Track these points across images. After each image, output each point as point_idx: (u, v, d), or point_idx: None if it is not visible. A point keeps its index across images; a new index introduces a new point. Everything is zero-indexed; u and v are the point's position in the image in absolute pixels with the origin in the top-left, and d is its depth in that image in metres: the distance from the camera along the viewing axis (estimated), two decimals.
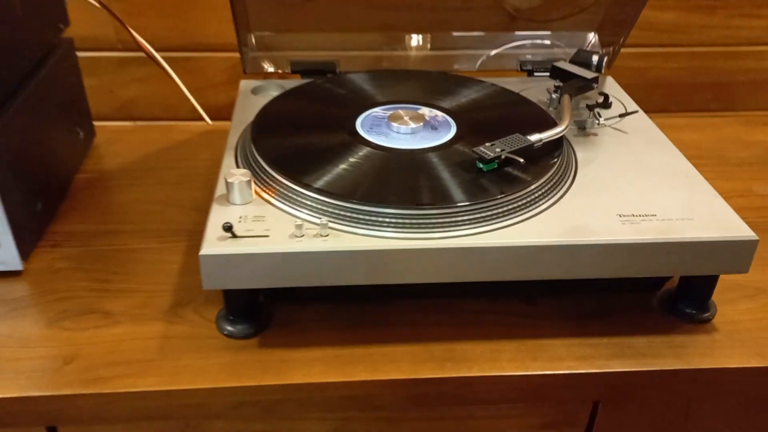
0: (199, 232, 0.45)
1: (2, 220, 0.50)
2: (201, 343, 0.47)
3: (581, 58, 0.63)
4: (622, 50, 0.70)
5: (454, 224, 0.45)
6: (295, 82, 0.66)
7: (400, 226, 0.44)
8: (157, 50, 0.72)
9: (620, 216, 0.47)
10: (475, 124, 0.55)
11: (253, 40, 0.66)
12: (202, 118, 0.80)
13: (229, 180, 0.46)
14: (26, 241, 0.53)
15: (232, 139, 0.56)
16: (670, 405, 0.50)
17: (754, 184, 0.68)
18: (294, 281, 0.44)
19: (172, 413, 0.45)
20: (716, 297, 0.51)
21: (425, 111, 0.57)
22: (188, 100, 0.77)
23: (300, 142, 0.53)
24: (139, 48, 0.71)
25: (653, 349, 0.47)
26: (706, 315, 0.50)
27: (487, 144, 0.49)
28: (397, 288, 0.46)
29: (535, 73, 0.69)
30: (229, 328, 0.48)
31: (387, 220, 0.44)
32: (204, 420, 0.47)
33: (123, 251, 0.56)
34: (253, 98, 0.64)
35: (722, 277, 0.49)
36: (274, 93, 0.64)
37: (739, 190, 0.67)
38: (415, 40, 0.70)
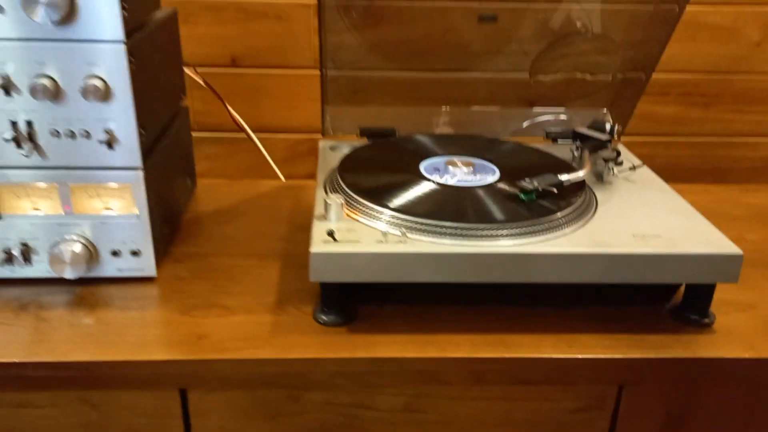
0: (288, 256, 0.59)
1: (147, 235, 0.64)
2: (302, 328, 0.59)
3: (597, 125, 0.78)
4: (630, 139, 0.85)
5: (500, 236, 0.58)
6: (362, 142, 0.82)
7: (460, 236, 0.58)
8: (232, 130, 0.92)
9: (633, 235, 0.60)
10: (514, 170, 0.70)
11: (331, 111, 0.82)
12: (277, 177, 0.97)
13: (328, 202, 0.60)
14: (158, 254, 0.67)
15: (321, 177, 0.70)
16: (680, 387, 0.60)
17: (746, 234, 0.81)
18: (379, 276, 0.57)
19: (280, 380, 0.57)
20: (714, 310, 0.63)
21: (474, 160, 0.71)
22: (266, 164, 0.95)
23: (378, 178, 0.68)
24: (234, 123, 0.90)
25: (665, 344, 0.59)
26: (707, 320, 0.62)
27: (526, 179, 0.63)
28: (456, 291, 0.59)
29: (559, 140, 0.84)
30: (324, 317, 0.60)
31: (449, 231, 0.58)
32: (304, 391, 0.59)
33: (230, 267, 0.69)
34: (331, 153, 0.79)
35: (718, 297, 0.62)
36: (347, 150, 0.79)
37: (733, 237, 0.80)
38: (459, 111, 0.86)
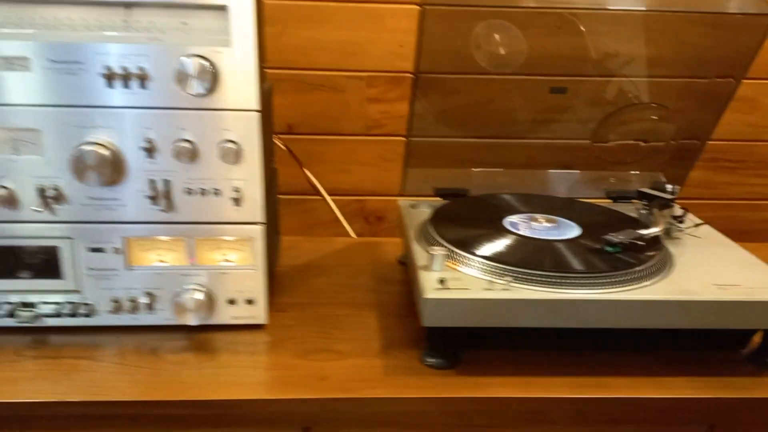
0: (380, 305, 0.65)
1: (262, 285, 0.69)
2: (412, 371, 0.64)
3: (658, 186, 0.85)
4: None
5: (596, 284, 0.63)
6: (438, 201, 0.88)
7: (560, 284, 0.63)
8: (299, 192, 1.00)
9: (714, 285, 0.65)
10: (591, 226, 0.76)
11: (411, 173, 0.89)
12: (348, 235, 1.03)
13: (433, 253, 0.66)
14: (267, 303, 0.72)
15: (411, 232, 0.76)
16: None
17: None
18: (486, 321, 0.62)
19: (397, 418, 0.61)
20: None
21: (555, 217, 0.77)
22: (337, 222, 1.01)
23: (472, 231, 0.73)
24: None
25: (751, 385, 0.63)
26: None
27: (611, 233, 0.69)
28: (552, 335, 0.64)
29: (618, 200, 0.91)
30: (431, 360, 0.65)
31: (551, 280, 0.63)
32: (417, 429, 0.62)
33: (331, 315, 0.74)
34: (413, 211, 0.85)
35: None
36: (425, 208, 0.86)
37: None
38: (526, 173, 0.93)
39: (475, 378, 0.63)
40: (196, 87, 0.61)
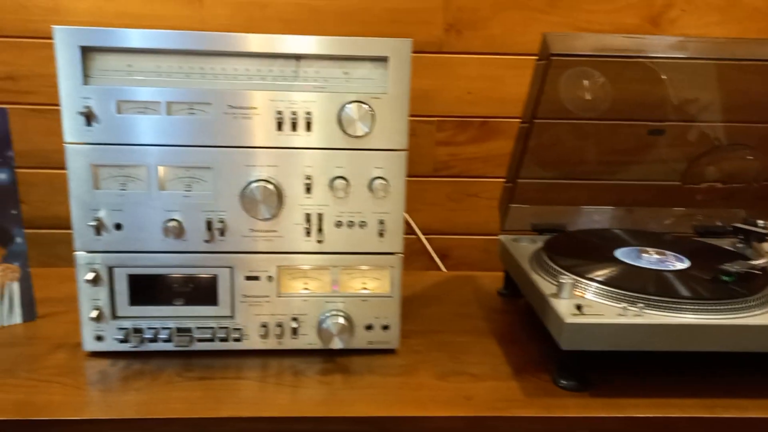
0: (496, 333, 0.71)
1: (397, 312, 0.74)
2: (548, 392, 0.68)
3: (749, 223, 0.90)
4: None
5: (722, 310, 0.68)
6: (535, 236, 0.94)
7: (690, 310, 0.68)
8: None
9: None
10: (698, 259, 0.81)
11: (512, 211, 0.95)
12: (438, 269, 1.08)
13: (563, 282, 0.71)
14: None
15: (526, 265, 0.82)
16: None
17: None
18: (620, 345, 0.67)
19: None
20: None
21: (662, 250, 0.83)
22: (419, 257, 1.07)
23: (589, 263, 0.79)
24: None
25: None
26: None
27: (727, 263, 0.74)
28: (677, 358, 0.68)
29: (706, 236, 0.96)
30: (565, 382, 0.69)
31: (683, 306, 0.68)
32: None
33: (455, 342, 0.79)
34: (515, 244, 0.91)
35: None
36: (525, 242, 0.91)
37: None
38: (619, 210, 0.98)
39: (610, 399, 0.67)
40: (359, 129, 0.68)
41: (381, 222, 0.72)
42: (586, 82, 0.89)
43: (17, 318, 0.80)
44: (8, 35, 1.04)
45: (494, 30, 1.08)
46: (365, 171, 0.70)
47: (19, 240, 0.79)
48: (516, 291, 0.95)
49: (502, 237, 0.95)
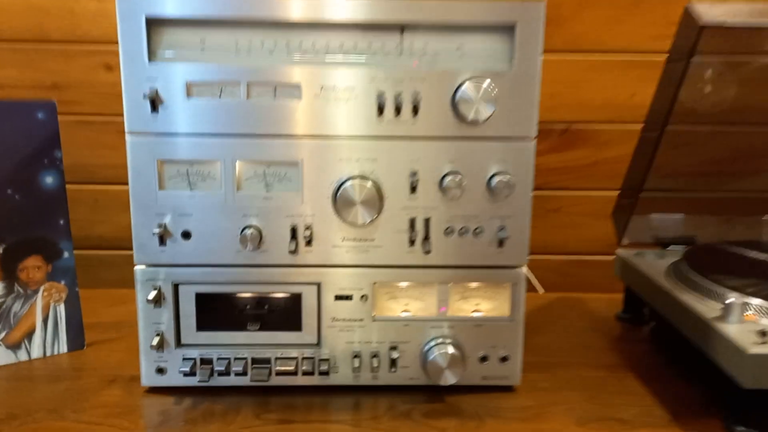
0: (628, 365, 0.57)
1: (519, 339, 0.61)
2: None
3: None
4: None
5: None
6: (658, 250, 0.79)
7: None
8: None
9: None
10: None
11: (633, 224, 0.81)
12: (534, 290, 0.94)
13: (731, 303, 0.57)
14: None
15: (663, 282, 0.67)
16: None
17: None
18: None
19: None
20: None
21: None
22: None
23: (755, 279, 0.64)
24: None
25: None
26: None
27: None
28: None
29: None
30: (743, 428, 0.54)
31: None
32: None
33: (585, 377, 0.65)
34: (640, 259, 0.77)
35: None
36: (651, 257, 0.77)
37: None
38: (750, 220, 0.84)
39: None
40: (479, 113, 0.55)
41: (501, 228, 0.59)
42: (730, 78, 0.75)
43: (63, 346, 0.68)
44: (55, 40, 0.96)
45: (577, 28, 0.96)
46: (484, 165, 0.58)
47: (66, 254, 0.68)
48: (639, 315, 0.81)
49: (621, 252, 0.81)
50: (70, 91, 0.98)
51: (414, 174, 0.57)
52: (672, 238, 0.81)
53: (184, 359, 0.60)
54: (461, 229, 0.58)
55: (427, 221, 0.58)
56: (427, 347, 0.60)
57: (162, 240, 0.58)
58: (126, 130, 0.56)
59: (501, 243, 0.59)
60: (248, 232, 0.57)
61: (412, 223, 0.58)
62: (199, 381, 0.59)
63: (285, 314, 0.60)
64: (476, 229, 0.59)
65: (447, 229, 0.58)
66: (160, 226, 0.57)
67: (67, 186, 1.09)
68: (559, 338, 0.75)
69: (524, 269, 0.60)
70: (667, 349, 0.72)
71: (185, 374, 0.59)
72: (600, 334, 0.77)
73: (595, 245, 1.03)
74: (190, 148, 0.56)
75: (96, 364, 0.66)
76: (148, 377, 0.60)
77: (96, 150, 1.01)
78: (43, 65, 0.97)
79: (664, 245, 0.81)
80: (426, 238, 0.59)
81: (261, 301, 0.60)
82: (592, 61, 0.99)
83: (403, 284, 0.60)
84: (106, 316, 0.78)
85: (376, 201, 0.56)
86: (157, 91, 0.55)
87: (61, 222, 0.67)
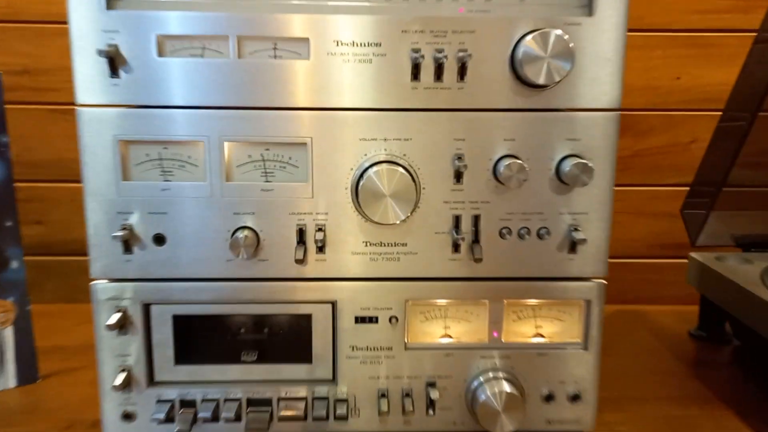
0: (721, 398, 0.41)
1: (594, 372, 0.47)
2: None
3: None
4: None
5: None
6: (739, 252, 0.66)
7: None
8: None
9: None
10: None
11: (710, 224, 0.67)
12: None
13: None
14: None
15: (756, 290, 0.54)
16: None
17: None
18: None
19: None
20: None
21: None
22: None
23: None
24: None
25: None
26: None
27: None
28: None
29: None
30: None
31: None
32: None
33: (673, 416, 0.51)
34: (722, 264, 0.63)
35: None
36: (734, 261, 0.64)
37: None
38: None
39: None
40: (544, 76, 0.41)
41: (574, 228, 0.45)
42: None
43: (10, 380, 0.54)
44: (27, 20, 0.82)
45: None
46: (552, 145, 0.44)
47: (15, 264, 0.54)
48: (718, 333, 0.67)
49: (697, 255, 0.67)
50: (45, 77, 0.84)
51: (459, 158, 0.43)
52: (758, 239, 0.67)
53: (158, 402, 0.46)
54: (521, 229, 0.45)
55: (476, 219, 0.44)
56: (475, 383, 0.46)
57: (127, 246, 0.44)
58: (76, 100, 0.43)
59: (573, 247, 0.45)
60: (241, 235, 0.43)
61: (457, 221, 0.44)
62: (178, 431, 0.45)
63: (290, 342, 0.46)
64: (541, 229, 0.45)
65: (503, 229, 0.45)
66: (124, 228, 0.43)
67: (42, 184, 0.96)
68: (626, 362, 0.61)
69: (602, 282, 0.46)
70: (764, 375, 0.58)
71: (159, 421, 0.45)
72: (673, 355, 0.63)
73: (636, 246, 0.89)
74: (163, 125, 0.43)
75: (51, 404, 0.52)
76: (111, 425, 0.46)
77: (74, 143, 0.87)
78: (13, 47, 0.83)
79: (744, 247, 0.68)
80: (475, 241, 0.45)
81: (259, 324, 0.47)
82: (631, 39, 0.85)
83: (444, 302, 0.46)
84: (75, 337, 0.65)
85: (411, 193, 0.43)
86: (117, 48, 0.41)
87: (8, 224, 0.53)
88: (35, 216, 0.87)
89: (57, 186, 0.88)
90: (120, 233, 0.43)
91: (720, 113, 0.69)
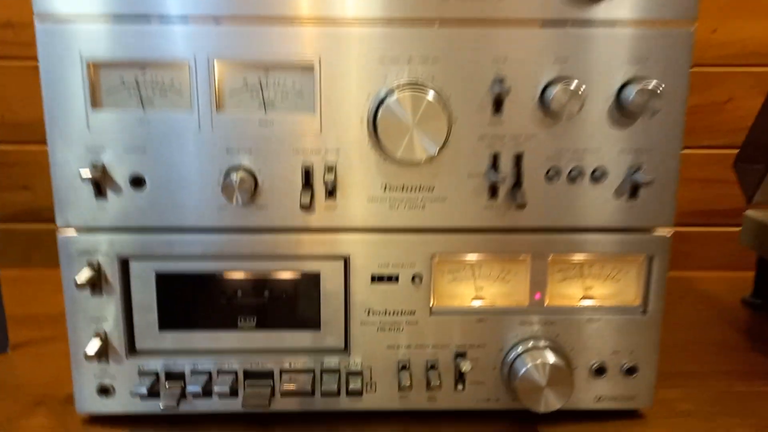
0: None
1: (654, 341, 0.40)
2: None
3: None
4: None
5: None
6: None
7: None
8: None
9: None
10: None
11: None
12: None
13: None
14: None
15: None
16: None
17: None
18: None
19: None
20: None
21: None
22: None
23: None
24: None
25: None
26: None
27: None
28: None
29: None
30: None
31: None
32: None
33: (738, 394, 0.44)
34: None
35: None
36: None
37: None
38: None
39: None
40: None
41: (636, 169, 0.37)
42: None
43: None
44: None
45: None
46: (612, 67, 0.36)
47: None
48: None
49: (753, 213, 0.59)
50: (30, 31, 0.77)
51: (500, 81, 0.36)
52: None
53: (140, 374, 0.39)
54: (572, 170, 0.37)
55: (518, 158, 0.37)
56: (513, 354, 0.39)
57: (99, 189, 0.37)
58: (34, 10, 0.35)
59: (634, 192, 0.38)
60: (236, 177, 0.36)
61: (495, 160, 0.37)
62: (164, 407, 0.39)
63: (295, 305, 0.40)
64: (596, 170, 0.37)
65: (550, 170, 0.37)
66: (95, 167, 0.36)
67: (24, 147, 0.89)
68: (678, 333, 0.54)
69: (668, 235, 0.39)
70: None
71: (142, 396, 0.39)
72: (729, 325, 0.56)
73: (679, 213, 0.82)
74: (139, 41, 0.35)
75: (20, 378, 0.46)
76: (85, 400, 0.39)
77: None
78: None
79: None
80: (516, 184, 0.37)
81: (258, 284, 0.40)
82: None
83: (477, 258, 0.39)
84: (55, 305, 0.58)
85: (441, 124, 0.35)
86: None
87: None
88: (21, 181, 0.80)
89: (44, 149, 0.81)
90: (89, 174, 0.36)
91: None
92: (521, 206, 0.37)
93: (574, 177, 0.37)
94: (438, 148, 0.35)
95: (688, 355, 0.50)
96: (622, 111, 0.36)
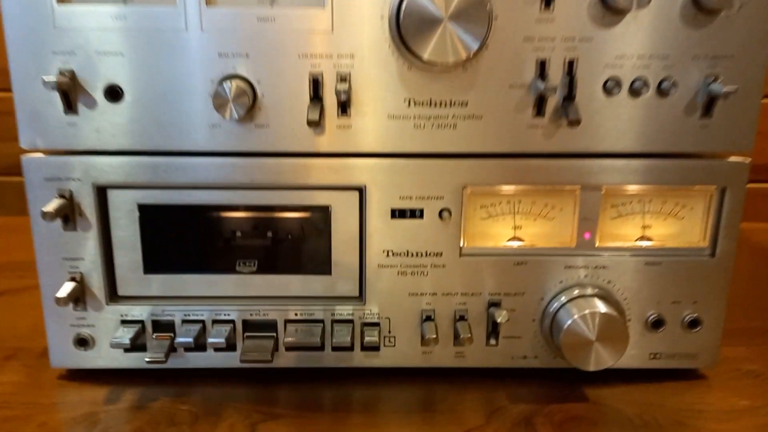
0: None
1: (722, 290, 0.34)
2: None
3: None
4: None
5: None
6: None
7: None
8: None
9: None
10: None
11: None
12: None
13: None
14: None
15: None
16: None
17: None
18: None
19: None
20: None
21: None
22: None
23: None
24: None
25: None
26: None
27: None
28: None
29: None
30: None
31: None
32: None
33: None
34: None
35: None
36: None
37: None
38: None
39: None
40: None
41: (713, 79, 0.31)
42: None
43: None
44: None
45: None
46: None
47: None
48: None
49: None
50: None
51: None
52: None
53: (123, 323, 0.34)
54: (635, 81, 0.31)
55: (571, 65, 0.31)
56: (556, 304, 0.34)
57: (69, 103, 0.31)
58: None
59: (708, 109, 0.31)
60: (230, 86, 0.30)
61: (542, 68, 0.31)
62: (149, 360, 0.33)
63: (302, 245, 0.34)
64: (663, 81, 0.31)
65: (608, 81, 0.31)
66: (62, 74, 0.30)
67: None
68: (736, 287, 0.48)
69: (746, 161, 0.33)
70: None
71: (126, 349, 0.34)
72: None
73: None
74: None
75: None
76: (60, 353, 0.34)
77: None
78: None
79: None
80: (568, 97, 0.31)
81: (259, 220, 0.34)
82: None
83: (516, 188, 0.33)
84: (30, 254, 0.53)
85: (480, 16, 0.29)
86: None
87: None
88: (14, 131, 0.75)
89: None
90: (55, 79, 0.30)
91: None
92: (574, 123, 0.31)
93: (637, 89, 0.31)
94: (480, 44, 0.29)
95: (752, 310, 0.44)
96: (697, 7, 0.30)
